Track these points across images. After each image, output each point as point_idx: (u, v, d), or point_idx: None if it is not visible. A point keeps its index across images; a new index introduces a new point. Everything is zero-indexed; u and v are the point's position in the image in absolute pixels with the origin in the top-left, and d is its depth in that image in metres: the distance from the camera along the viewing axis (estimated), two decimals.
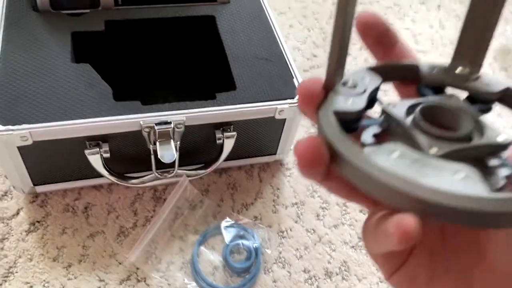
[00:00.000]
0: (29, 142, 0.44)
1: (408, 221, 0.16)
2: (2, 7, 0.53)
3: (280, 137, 0.55)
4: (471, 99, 0.23)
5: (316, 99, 0.21)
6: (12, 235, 0.49)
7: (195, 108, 0.47)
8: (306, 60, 0.73)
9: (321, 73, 0.70)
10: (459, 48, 0.26)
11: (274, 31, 0.57)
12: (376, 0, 0.85)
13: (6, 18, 0.52)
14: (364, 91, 0.22)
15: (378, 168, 0.17)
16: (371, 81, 0.23)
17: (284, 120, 0.53)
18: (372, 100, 0.23)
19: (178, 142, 0.47)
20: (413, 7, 0.85)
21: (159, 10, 0.57)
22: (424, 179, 0.16)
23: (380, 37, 0.24)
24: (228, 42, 0.55)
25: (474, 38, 0.24)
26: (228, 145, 0.50)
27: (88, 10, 0.55)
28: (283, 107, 0.50)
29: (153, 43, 0.58)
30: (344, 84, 0.22)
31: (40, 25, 0.52)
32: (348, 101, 0.21)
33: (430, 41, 0.79)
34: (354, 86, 0.22)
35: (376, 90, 0.23)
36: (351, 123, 0.21)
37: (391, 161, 0.18)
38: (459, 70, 0.25)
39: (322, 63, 0.73)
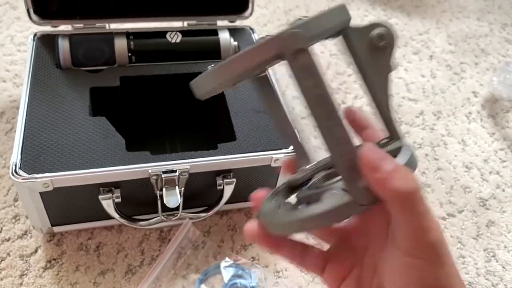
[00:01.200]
0: (50, 188, 0.49)
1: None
2: (29, 66, 0.60)
3: (276, 182, 0.60)
4: None
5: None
6: (31, 271, 0.54)
7: (199, 157, 0.53)
8: (304, 108, 0.78)
9: None
10: None
11: (273, 87, 0.63)
12: None
13: (32, 75, 0.59)
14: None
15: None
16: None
17: (279, 167, 0.58)
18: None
19: (183, 188, 0.52)
20: (407, 57, 0.91)
21: (169, 67, 0.63)
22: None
23: (355, 121, 0.34)
24: (231, 96, 0.61)
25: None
26: (228, 190, 0.55)
27: (105, 67, 0.61)
28: (278, 156, 0.55)
29: (163, 97, 0.65)
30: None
31: (62, 82, 0.59)
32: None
33: (421, 90, 0.85)
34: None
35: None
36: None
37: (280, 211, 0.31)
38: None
39: None
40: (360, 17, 0.99)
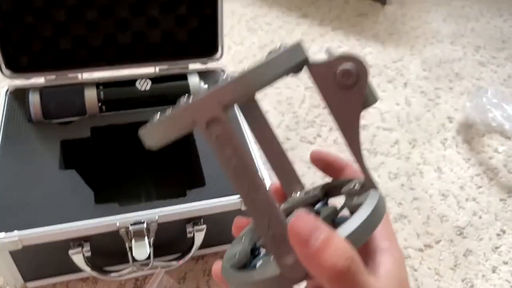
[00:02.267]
0: (19, 247, 0.49)
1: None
2: (1, 121, 0.61)
3: None
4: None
5: None
6: None
7: (167, 205, 0.53)
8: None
9: (293, 156, 0.77)
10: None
11: (243, 129, 0.64)
12: None
13: (3, 130, 0.60)
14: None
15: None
16: None
17: None
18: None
19: (152, 238, 0.53)
20: (381, 86, 0.93)
21: (139, 114, 0.64)
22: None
23: (328, 165, 0.33)
24: (200, 140, 0.62)
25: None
26: (199, 237, 0.55)
27: (76, 118, 0.62)
28: None
29: (133, 145, 0.65)
30: None
31: (33, 136, 0.60)
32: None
33: (396, 119, 0.86)
34: None
35: None
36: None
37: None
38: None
39: (295, 145, 0.79)
40: (334, 48, 1.00)
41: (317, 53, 0.99)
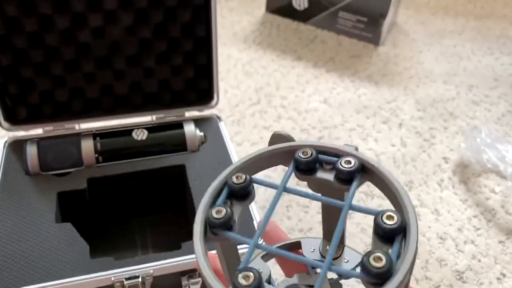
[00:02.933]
0: None
1: None
2: None
3: None
4: None
5: None
6: None
7: (162, 259, 0.53)
8: None
9: (289, 200, 0.77)
10: (325, 232, 0.34)
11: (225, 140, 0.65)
12: (340, 123, 0.93)
13: (1, 184, 0.60)
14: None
15: None
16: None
17: None
18: None
19: None
20: (376, 127, 0.94)
21: (136, 163, 0.65)
22: None
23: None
24: (196, 189, 0.62)
25: (331, 227, 0.31)
26: None
27: (72, 170, 0.63)
28: (244, 251, 0.55)
29: (130, 195, 0.66)
30: None
31: (30, 188, 0.60)
32: None
33: (392, 160, 0.86)
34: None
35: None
36: None
37: None
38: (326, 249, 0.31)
39: None
40: (328, 90, 1.02)
41: (311, 95, 1.00)
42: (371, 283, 0.21)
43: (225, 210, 0.26)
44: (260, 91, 1.00)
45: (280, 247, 0.34)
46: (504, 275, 0.68)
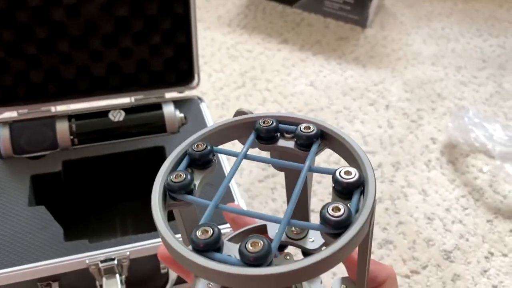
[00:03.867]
0: None
1: None
2: None
3: None
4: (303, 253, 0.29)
5: None
6: None
7: (140, 241, 0.51)
8: (261, 170, 0.78)
9: (274, 183, 0.75)
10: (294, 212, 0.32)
11: (220, 159, 0.63)
12: (327, 106, 0.92)
13: None
14: None
15: None
16: None
17: None
18: None
19: (124, 276, 0.51)
20: (363, 109, 0.92)
21: (113, 145, 0.63)
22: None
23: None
24: None
25: (299, 207, 0.30)
26: (173, 273, 0.53)
27: (47, 152, 0.61)
28: (225, 231, 0.54)
29: (107, 178, 0.64)
30: None
31: (2, 172, 0.58)
32: None
33: (379, 141, 0.85)
34: None
35: None
36: None
37: None
38: (294, 230, 0.30)
39: (276, 172, 0.77)
40: (315, 72, 1.00)
41: (298, 78, 0.98)
42: (330, 234, 0.20)
43: (184, 174, 0.24)
44: (245, 75, 0.98)
45: (245, 231, 0.32)
46: (492, 254, 0.67)
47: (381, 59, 1.07)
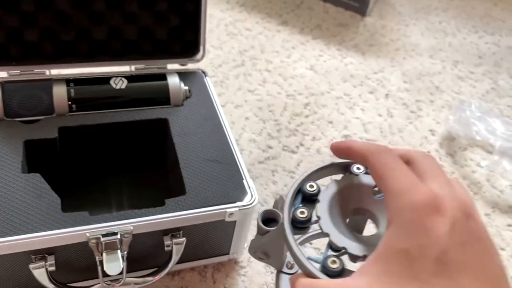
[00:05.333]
0: None
1: None
2: None
3: (232, 237, 0.56)
4: None
5: None
6: None
7: (143, 216, 0.48)
8: (261, 151, 0.75)
9: (275, 165, 0.73)
10: None
11: (226, 133, 0.60)
12: (327, 91, 0.90)
13: None
14: None
15: None
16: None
17: (235, 221, 0.54)
18: None
19: (126, 252, 0.47)
20: (363, 97, 0.91)
21: (114, 115, 0.59)
22: None
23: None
24: (180, 145, 0.57)
25: None
26: (177, 251, 0.50)
27: (42, 117, 0.57)
28: (233, 210, 0.51)
29: (107, 148, 0.60)
30: None
31: None
32: None
33: (379, 130, 0.84)
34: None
35: None
36: None
37: None
38: None
39: (277, 154, 0.75)
40: (315, 57, 0.98)
41: (297, 61, 0.96)
42: None
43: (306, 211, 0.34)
44: (244, 53, 0.95)
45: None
46: None
47: (380, 48, 1.06)
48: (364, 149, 0.31)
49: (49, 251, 0.46)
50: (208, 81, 0.67)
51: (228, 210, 0.51)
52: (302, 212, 0.34)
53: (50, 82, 0.58)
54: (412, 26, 1.15)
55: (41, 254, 0.46)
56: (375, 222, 0.34)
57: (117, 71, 0.64)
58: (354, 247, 0.31)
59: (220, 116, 0.62)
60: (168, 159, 0.59)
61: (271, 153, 0.75)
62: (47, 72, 0.62)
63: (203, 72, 0.69)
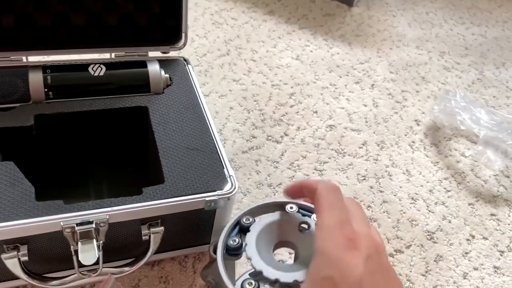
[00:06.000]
0: None
1: None
2: None
3: (212, 227, 0.55)
4: None
5: None
6: None
7: (120, 204, 0.47)
8: (245, 141, 0.75)
9: (259, 155, 0.72)
10: None
11: (207, 121, 0.59)
12: (313, 81, 0.89)
13: None
14: None
15: None
16: None
17: (215, 210, 0.53)
18: None
19: (102, 241, 0.46)
20: (348, 87, 0.90)
21: (92, 102, 0.57)
22: None
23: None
24: (160, 133, 0.56)
25: None
26: (155, 240, 0.50)
27: (17, 105, 0.55)
28: (212, 199, 0.50)
29: (84, 137, 0.59)
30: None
31: None
32: None
33: (364, 120, 0.83)
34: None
35: None
36: None
37: None
38: None
39: (261, 144, 0.74)
40: (301, 47, 0.97)
41: (283, 51, 0.95)
42: None
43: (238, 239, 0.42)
44: (230, 43, 0.94)
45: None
46: (473, 237, 0.67)
47: (367, 38, 1.05)
48: (315, 184, 0.36)
49: (22, 240, 0.45)
50: (190, 69, 0.66)
51: (207, 198, 0.50)
52: (234, 240, 0.41)
53: (26, 68, 0.56)
54: (399, 16, 1.15)
55: (14, 243, 0.45)
56: (296, 253, 0.40)
57: (97, 59, 0.63)
58: (270, 272, 0.37)
59: (202, 104, 0.61)
60: (147, 147, 0.58)
61: (255, 143, 0.75)
62: (24, 59, 0.60)
63: (185, 60, 0.67)
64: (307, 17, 1.07)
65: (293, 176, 0.70)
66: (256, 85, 0.85)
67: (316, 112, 0.83)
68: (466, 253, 0.65)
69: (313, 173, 0.71)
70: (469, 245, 0.66)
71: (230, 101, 0.81)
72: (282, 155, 0.74)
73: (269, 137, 0.76)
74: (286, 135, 0.77)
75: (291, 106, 0.83)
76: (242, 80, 0.86)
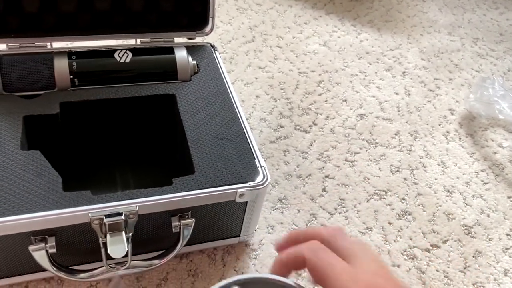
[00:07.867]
0: None
1: None
2: None
3: (243, 219, 0.53)
4: None
5: None
6: None
7: (150, 196, 0.45)
8: (272, 131, 0.72)
9: (287, 145, 0.70)
10: None
11: (236, 109, 0.57)
12: (341, 68, 0.86)
13: None
14: None
15: None
16: None
17: (246, 202, 0.51)
18: None
19: (131, 234, 0.45)
20: (379, 74, 0.87)
21: (118, 89, 0.56)
22: None
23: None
24: (188, 122, 0.54)
25: None
26: (186, 232, 0.48)
27: (43, 92, 0.54)
28: (244, 191, 0.48)
29: (110, 125, 0.57)
30: None
31: None
32: None
33: (396, 109, 0.80)
34: None
35: None
36: None
37: None
38: None
39: (289, 133, 0.72)
40: (329, 32, 0.94)
41: (310, 37, 0.92)
42: None
43: None
44: (255, 29, 0.91)
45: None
46: None
47: (396, 24, 1.01)
48: (301, 253, 0.32)
49: (50, 232, 0.44)
50: (217, 55, 0.64)
51: (239, 190, 0.48)
52: None
53: (51, 55, 0.55)
54: (429, 1, 1.10)
55: (41, 235, 0.44)
56: None
57: (122, 45, 0.61)
58: None
59: (230, 92, 0.58)
60: (175, 136, 0.56)
61: (283, 133, 0.72)
62: (48, 45, 0.59)
63: (212, 46, 0.65)
64: (334, 2, 1.03)
65: (323, 168, 0.67)
66: (283, 72, 0.83)
67: (345, 100, 0.80)
68: (506, 249, 0.62)
69: (344, 164, 0.68)
70: (510, 241, 0.63)
71: (256, 89, 0.79)
72: (311, 145, 0.71)
73: (297, 127, 0.73)
74: (315, 124, 0.74)
75: (319, 95, 0.80)
76: (268, 68, 0.83)
